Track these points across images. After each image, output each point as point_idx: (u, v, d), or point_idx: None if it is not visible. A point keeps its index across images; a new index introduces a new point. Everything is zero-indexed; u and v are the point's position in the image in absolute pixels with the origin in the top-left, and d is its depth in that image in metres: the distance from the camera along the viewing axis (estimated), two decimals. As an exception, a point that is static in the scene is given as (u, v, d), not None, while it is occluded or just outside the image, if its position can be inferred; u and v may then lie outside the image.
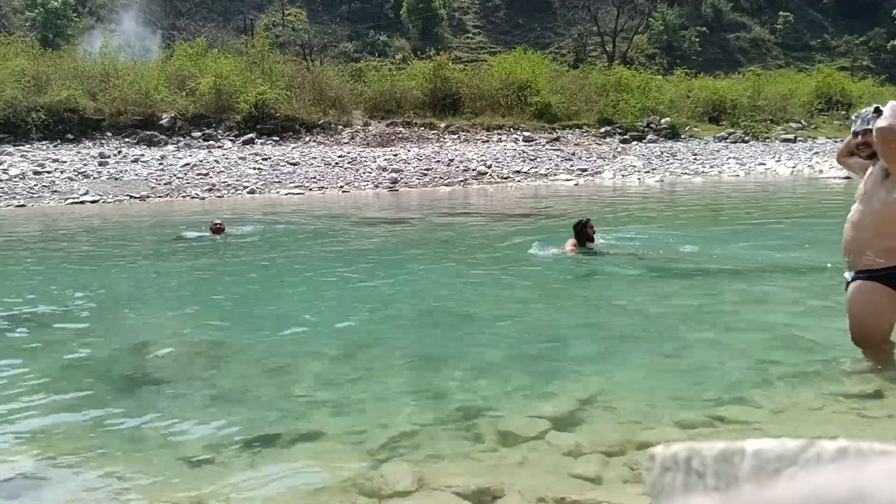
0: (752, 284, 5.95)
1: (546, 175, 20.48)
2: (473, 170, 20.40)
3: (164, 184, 17.42)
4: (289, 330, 5.00)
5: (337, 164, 20.55)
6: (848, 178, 18.35)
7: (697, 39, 56.27)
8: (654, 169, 21.94)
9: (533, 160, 22.30)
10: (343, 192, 17.64)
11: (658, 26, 56.01)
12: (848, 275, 3.69)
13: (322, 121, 24.80)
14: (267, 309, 5.68)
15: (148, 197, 16.27)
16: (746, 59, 55.71)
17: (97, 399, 3.66)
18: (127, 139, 21.79)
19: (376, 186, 18.30)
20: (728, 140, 28.50)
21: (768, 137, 29.64)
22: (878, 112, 3.65)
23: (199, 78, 24.22)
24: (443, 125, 25.98)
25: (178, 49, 28.67)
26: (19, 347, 4.62)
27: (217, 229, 10.09)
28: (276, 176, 18.78)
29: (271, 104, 23.87)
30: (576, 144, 25.57)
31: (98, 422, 3.34)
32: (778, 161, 24.16)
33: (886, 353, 3.80)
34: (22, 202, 15.17)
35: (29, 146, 20.15)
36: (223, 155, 20.85)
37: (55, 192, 16.20)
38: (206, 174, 18.52)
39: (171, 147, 21.60)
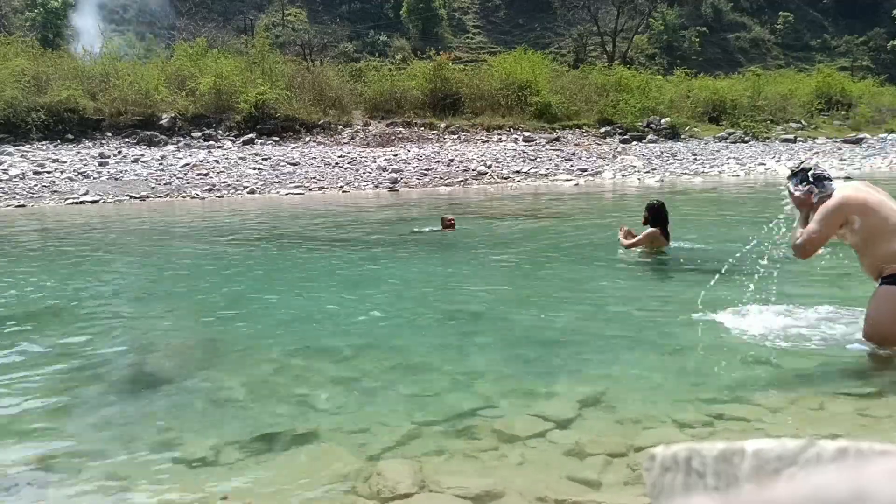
0: (752, 283, 5.94)
1: (546, 175, 20.47)
2: (473, 170, 20.39)
3: (164, 184, 17.41)
4: (288, 330, 5.00)
5: (337, 164, 20.53)
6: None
7: (697, 39, 56.28)
8: (654, 169, 21.93)
9: (533, 160, 22.29)
10: (343, 192, 17.64)
11: (658, 26, 56.01)
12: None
13: (322, 121, 24.79)
14: (266, 309, 5.68)
15: (148, 197, 16.26)
16: (746, 59, 55.72)
17: (97, 399, 3.66)
18: (127, 139, 21.77)
19: (376, 186, 18.29)
20: (728, 140, 28.48)
21: (768, 137, 29.62)
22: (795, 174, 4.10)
23: (199, 78, 24.20)
24: (443, 125, 25.97)
25: (178, 49, 28.65)
26: (18, 347, 4.62)
27: (449, 224, 9.74)
28: (276, 176, 18.77)
29: (271, 104, 23.86)
30: (576, 144, 25.55)
31: (98, 421, 3.34)
32: (778, 161, 24.15)
33: (888, 354, 3.80)
34: (22, 202, 15.17)
35: (29, 146, 20.13)
36: (223, 155, 20.83)
37: (55, 192, 16.19)
38: (206, 174, 18.51)
39: (171, 147, 21.58)
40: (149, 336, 4.87)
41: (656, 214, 7.16)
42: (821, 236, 3.84)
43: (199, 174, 18.50)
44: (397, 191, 17.95)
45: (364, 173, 19.55)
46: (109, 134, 21.91)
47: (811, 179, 4.00)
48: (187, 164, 19.28)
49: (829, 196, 3.90)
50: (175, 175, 18.28)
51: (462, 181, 19.33)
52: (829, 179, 4.00)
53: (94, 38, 34.68)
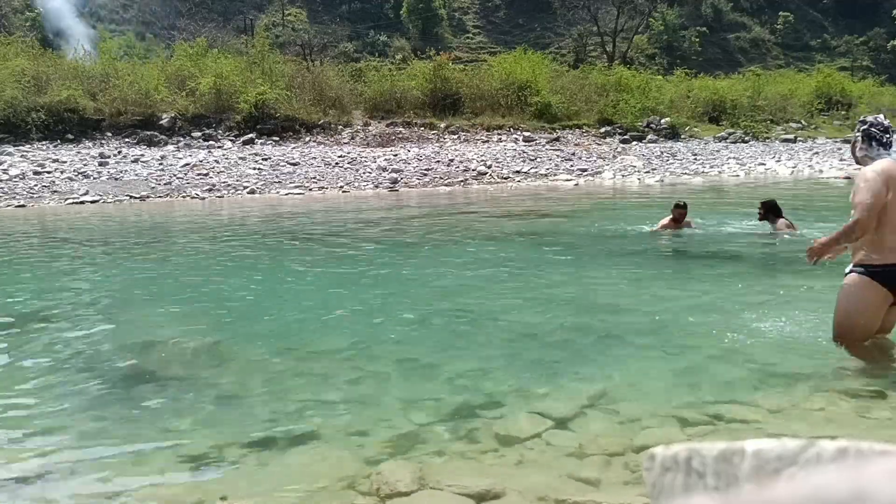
0: (753, 283, 5.95)
1: (546, 175, 20.47)
2: (473, 170, 20.39)
3: (164, 184, 17.40)
4: (289, 330, 5.00)
5: (337, 164, 20.53)
6: (848, 178, 18.31)
7: (697, 39, 56.33)
8: (654, 169, 21.93)
9: (533, 160, 22.28)
10: (343, 192, 17.64)
11: (658, 26, 56.05)
12: (848, 268, 3.83)
13: (322, 121, 24.77)
14: (266, 309, 5.68)
15: (148, 197, 16.25)
16: (746, 59, 55.75)
17: (97, 398, 3.66)
18: (127, 139, 21.76)
19: (376, 186, 18.29)
20: (728, 140, 28.47)
21: (768, 137, 29.61)
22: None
23: (199, 78, 24.18)
24: (443, 125, 25.96)
25: (178, 49, 28.66)
26: (19, 347, 4.62)
27: (680, 215, 7.87)
28: (276, 176, 18.76)
29: (271, 104, 23.84)
30: (576, 144, 25.55)
31: (98, 421, 3.34)
32: (778, 161, 24.15)
33: (885, 353, 3.81)
34: (22, 202, 15.15)
35: (29, 146, 20.12)
36: (223, 155, 20.83)
37: (55, 192, 16.18)
38: (206, 174, 18.50)
39: (171, 147, 21.57)
40: (149, 336, 4.87)
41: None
42: (874, 202, 3.46)
43: (199, 174, 18.50)
44: (397, 191, 17.95)
45: (364, 173, 19.54)
46: (109, 134, 21.90)
47: (860, 133, 3.72)
48: (187, 164, 19.27)
49: (872, 160, 3.62)
50: (175, 175, 18.27)
51: (462, 181, 19.33)
52: (883, 145, 3.65)
53: (83, 36, 34.71)
